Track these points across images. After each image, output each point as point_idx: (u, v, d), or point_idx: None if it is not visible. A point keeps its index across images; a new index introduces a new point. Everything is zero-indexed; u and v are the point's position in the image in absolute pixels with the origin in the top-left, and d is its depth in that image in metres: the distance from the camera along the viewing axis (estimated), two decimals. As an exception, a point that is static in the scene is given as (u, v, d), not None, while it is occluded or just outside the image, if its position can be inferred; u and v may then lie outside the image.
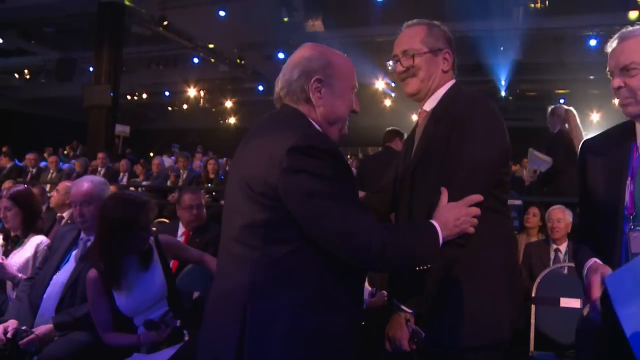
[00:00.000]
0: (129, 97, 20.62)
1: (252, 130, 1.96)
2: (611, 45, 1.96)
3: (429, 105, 2.29)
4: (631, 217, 1.87)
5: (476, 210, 1.95)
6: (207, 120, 23.58)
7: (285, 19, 12.72)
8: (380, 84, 17.06)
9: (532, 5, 11.84)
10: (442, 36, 2.28)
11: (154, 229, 3.77)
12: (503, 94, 16.41)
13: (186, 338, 2.80)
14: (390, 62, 2.33)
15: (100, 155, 10.82)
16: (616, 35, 1.96)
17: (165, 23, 12.94)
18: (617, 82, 1.90)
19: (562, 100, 15.35)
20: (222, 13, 12.71)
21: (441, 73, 2.28)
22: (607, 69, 1.96)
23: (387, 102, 19.02)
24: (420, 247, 1.85)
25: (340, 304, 1.81)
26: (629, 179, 1.89)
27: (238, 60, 16.33)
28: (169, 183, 9.88)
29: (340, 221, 1.71)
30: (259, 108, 23.04)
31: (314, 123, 1.92)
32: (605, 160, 1.98)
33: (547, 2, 11.74)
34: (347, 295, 1.83)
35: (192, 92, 20.24)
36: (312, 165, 1.71)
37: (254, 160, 1.80)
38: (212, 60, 16.65)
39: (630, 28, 1.96)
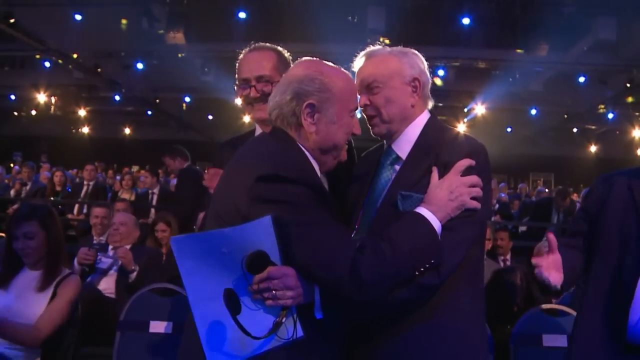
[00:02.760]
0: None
1: (236, 154, 1.84)
2: (357, 63, 2.06)
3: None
4: None
5: (473, 179, 1.78)
6: (57, 128, 22.17)
7: (146, 30, 12.37)
8: (239, 100, 17.09)
9: (382, 38, 12.54)
10: (289, 62, 2.38)
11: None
12: (358, 115, 17.04)
13: None
14: (237, 84, 2.38)
15: None
16: (362, 53, 2.07)
17: (11, 21, 12.04)
18: (362, 100, 1.98)
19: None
20: (78, 17, 12.08)
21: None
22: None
23: (246, 119, 19.02)
24: (412, 249, 1.64)
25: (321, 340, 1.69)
26: None
27: (96, 69, 15.58)
28: (12, 194, 9.23)
29: (316, 250, 1.59)
30: (114, 118, 22.24)
31: (303, 149, 1.76)
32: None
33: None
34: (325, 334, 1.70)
35: (41, 97, 18.99)
36: (280, 194, 1.60)
37: (227, 187, 1.72)
38: (69, 66, 15.74)
39: (374, 48, 2.07)
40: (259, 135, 1.89)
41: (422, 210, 1.71)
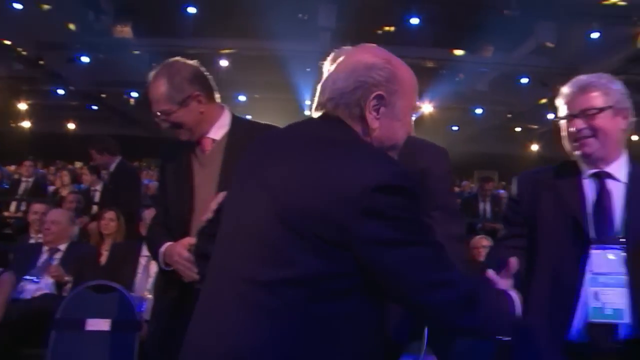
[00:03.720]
0: None
1: (284, 141, 1.58)
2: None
3: (217, 133, 2.43)
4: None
5: None
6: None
7: (94, 24, 12.09)
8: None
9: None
10: (186, 79, 2.35)
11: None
12: (307, 112, 17.11)
13: None
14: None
15: None
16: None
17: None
18: None
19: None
20: (17, 6, 11.66)
21: (208, 111, 2.40)
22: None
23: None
24: (506, 312, 1.58)
25: None
26: None
27: (38, 60, 15.10)
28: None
29: (432, 272, 1.42)
30: (57, 112, 21.59)
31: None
32: None
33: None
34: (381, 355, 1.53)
35: (-23, 89, 18.28)
36: (401, 209, 1.39)
37: (304, 189, 1.40)
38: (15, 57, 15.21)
39: None
40: (315, 125, 1.56)
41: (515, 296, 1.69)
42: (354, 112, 1.51)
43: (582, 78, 2.20)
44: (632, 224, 2.13)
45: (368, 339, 1.46)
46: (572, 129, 2.17)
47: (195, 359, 1.46)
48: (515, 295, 1.64)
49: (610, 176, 2.19)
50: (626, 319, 2.05)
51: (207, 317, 1.48)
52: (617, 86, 2.20)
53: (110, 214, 5.38)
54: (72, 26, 12.88)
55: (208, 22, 12.04)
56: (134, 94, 18.46)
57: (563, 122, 2.24)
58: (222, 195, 1.79)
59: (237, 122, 2.50)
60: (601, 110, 2.13)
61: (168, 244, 2.42)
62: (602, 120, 2.14)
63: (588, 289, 2.08)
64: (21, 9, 11.66)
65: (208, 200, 2.35)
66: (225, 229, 1.57)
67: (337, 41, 12.94)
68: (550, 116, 17.58)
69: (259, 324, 1.37)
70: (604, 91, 2.15)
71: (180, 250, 2.33)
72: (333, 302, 1.39)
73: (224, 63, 14.01)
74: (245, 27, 11.05)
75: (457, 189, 15.72)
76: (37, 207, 5.53)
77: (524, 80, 14.72)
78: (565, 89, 2.23)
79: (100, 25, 12.21)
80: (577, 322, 2.09)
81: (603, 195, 2.18)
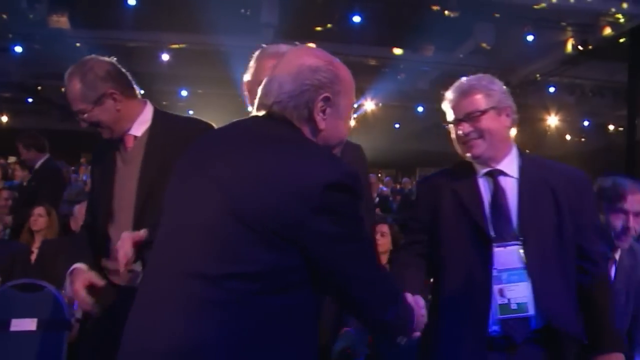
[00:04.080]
0: None
1: (229, 138, 1.59)
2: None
3: (138, 130, 2.43)
4: None
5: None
6: None
7: (27, 13, 11.64)
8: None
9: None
10: (99, 77, 2.34)
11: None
12: (250, 108, 17.01)
13: None
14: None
15: None
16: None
17: None
18: None
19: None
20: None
21: (126, 108, 2.40)
22: None
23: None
24: (411, 318, 1.74)
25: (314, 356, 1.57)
26: None
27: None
28: None
29: (370, 267, 1.55)
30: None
31: None
32: None
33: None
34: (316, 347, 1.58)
35: None
36: (349, 206, 1.48)
37: (258, 185, 1.42)
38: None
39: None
40: (265, 125, 1.57)
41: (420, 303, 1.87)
42: (301, 114, 1.56)
43: (464, 82, 2.29)
44: (526, 218, 2.21)
45: (310, 329, 1.53)
46: (460, 133, 2.26)
47: (135, 358, 1.45)
48: (420, 300, 1.82)
49: (502, 173, 2.29)
50: (531, 311, 2.14)
51: (147, 315, 1.47)
52: (498, 86, 2.29)
53: (39, 210, 5.21)
54: (4, 15, 12.35)
55: (150, 15, 11.80)
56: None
57: (451, 126, 2.32)
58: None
59: (159, 118, 2.49)
60: (484, 112, 2.21)
61: (76, 266, 2.38)
62: (487, 122, 2.22)
63: (494, 287, 2.17)
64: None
65: (128, 198, 2.34)
66: (167, 227, 1.56)
67: (280, 37, 13.01)
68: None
69: (205, 318, 1.38)
70: (485, 93, 2.23)
71: (78, 287, 2.30)
72: (281, 295, 1.43)
73: (165, 57, 13.78)
74: (187, 22, 10.88)
75: (397, 186, 16.01)
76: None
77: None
78: (449, 94, 2.31)
79: (35, 14, 11.77)
80: (492, 318, 2.17)
81: (497, 193, 2.26)
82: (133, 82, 2.48)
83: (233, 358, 1.39)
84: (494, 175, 2.29)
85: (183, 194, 1.56)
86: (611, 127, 19.95)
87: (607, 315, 2.25)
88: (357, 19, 11.79)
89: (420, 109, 18.35)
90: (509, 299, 2.15)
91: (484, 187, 2.29)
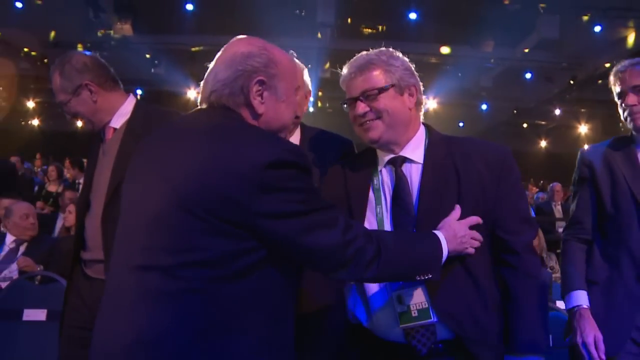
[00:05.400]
0: None
1: (176, 132, 1.61)
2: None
3: (118, 122, 2.47)
4: None
5: (478, 235, 1.86)
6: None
7: (94, 22, 12.07)
8: (192, 93, 16.89)
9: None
10: (75, 68, 2.40)
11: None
12: (311, 109, 17.09)
13: None
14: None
15: None
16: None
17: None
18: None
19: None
20: (18, 4, 11.67)
21: (104, 99, 2.44)
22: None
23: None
24: (420, 255, 1.71)
25: (288, 344, 1.57)
26: None
27: (43, 59, 15.09)
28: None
29: (332, 234, 1.51)
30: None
31: None
32: None
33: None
34: (290, 334, 1.58)
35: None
36: (294, 181, 1.47)
37: (201, 173, 1.44)
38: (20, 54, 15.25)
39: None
40: (206, 114, 1.61)
41: (440, 234, 1.79)
42: (238, 100, 1.59)
43: (361, 56, 2.00)
44: (424, 210, 1.93)
45: (281, 312, 1.53)
46: (356, 113, 1.96)
47: (103, 350, 1.47)
48: (442, 235, 1.75)
49: (407, 160, 2.00)
50: (433, 317, 1.85)
51: (110, 310, 1.50)
52: (400, 62, 1.98)
53: (70, 207, 5.48)
54: (73, 25, 12.85)
55: (210, 19, 12.01)
56: (139, 91, 18.46)
57: (345, 107, 2.04)
58: None
59: (140, 110, 2.51)
60: (382, 89, 1.92)
61: None
62: (385, 101, 1.93)
63: (392, 294, 1.91)
64: (21, 8, 11.65)
65: (102, 189, 2.39)
66: (123, 222, 1.59)
67: (337, 37, 13.01)
68: (557, 112, 17.58)
69: (162, 310, 1.39)
70: (384, 69, 1.94)
71: None
72: (238, 281, 1.43)
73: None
74: (244, 23, 11.02)
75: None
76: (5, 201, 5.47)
77: (528, 76, 14.66)
78: (344, 70, 2.02)
79: (100, 22, 12.19)
80: (396, 325, 1.91)
81: (399, 185, 1.98)
82: (115, 75, 2.52)
83: (194, 348, 1.37)
84: (397, 163, 2.00)
85: (135, 189, 1.59)
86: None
87: (528, 313, 1.91)
88: (413, 15, 11.65)
89: (484, 106, 17.96)
90: (408, 306, 1.87)
91: (388, 178, 2.02)
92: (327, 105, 18.23)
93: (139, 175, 1.61)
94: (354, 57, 2.00)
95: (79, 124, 2.52)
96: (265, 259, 1.47)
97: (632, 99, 2.32)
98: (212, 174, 1.43)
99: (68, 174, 9.86)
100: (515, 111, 18.53)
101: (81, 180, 7.55)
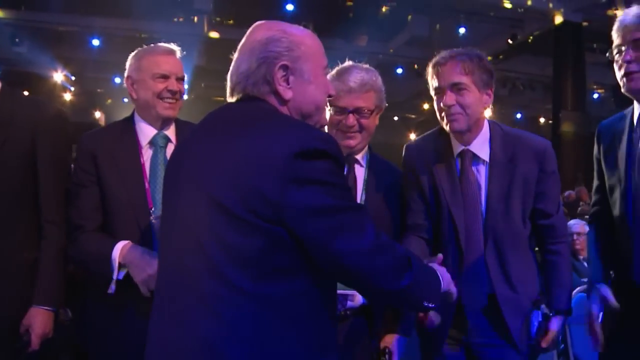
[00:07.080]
0: None
1: (204, 131, 1.57)
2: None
3: None
4: None
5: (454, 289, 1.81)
6: None
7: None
8: (59, 77, 15.98)
9: (217, 18, 12.46)
10: None
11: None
12: (185, 96, 16.72)
13: None
14: None
15: None
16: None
17: None
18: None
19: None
20: None
21: None
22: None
23: (67, 96, 17.85)
24: (435, 282, 1.61)
25: (333, 346, 1.53)
26: None
27: None
28: None
29: (365, 237, 1.42)
30: None
31: None
32: None
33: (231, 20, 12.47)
34: (334, 334, 1.54)
35: None
36: (327, 173, 1.40)
37: (233, 170, 1.39)
38: None
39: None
40: (235, 105, 1.56)
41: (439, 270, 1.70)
42: (263, 90, 1.53)
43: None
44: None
45: (322, 318, 1.48)
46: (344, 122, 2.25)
47: (163, 353, 1.46)
48: (442, 270, 1.69)
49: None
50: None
51: (169, 315, 1.47)
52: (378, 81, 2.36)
53: None
54: None
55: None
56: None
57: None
58: None
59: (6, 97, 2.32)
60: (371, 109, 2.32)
61: None
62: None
63: None
64: None
65: None
66: (166, 229, 1.56)
67: (213, 25, 12.84)
68: (426, 106, 18.46)
69: (214, 314, 1.37)
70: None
71: None
72: (280, 282, 1.39)
73: (96, 42, 13.35)
74: (115, 5, 10.60)
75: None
76: None
77: (399, 71, 15.30)
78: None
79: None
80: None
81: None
82: None
83: (255, 350, 1.38)
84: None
85: (172, 200, 1.56)
86: (542, 120, 20.65)
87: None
88: (290, 7, 11.79)
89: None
90: None
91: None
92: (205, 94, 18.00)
93: (171, 185, 1.59)
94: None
95: None
96: (305, 263, 1.41)
97: (450, 98, 2.22)
98: (242, 168, 1.38)
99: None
100: (387, 104, 19.24)
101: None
